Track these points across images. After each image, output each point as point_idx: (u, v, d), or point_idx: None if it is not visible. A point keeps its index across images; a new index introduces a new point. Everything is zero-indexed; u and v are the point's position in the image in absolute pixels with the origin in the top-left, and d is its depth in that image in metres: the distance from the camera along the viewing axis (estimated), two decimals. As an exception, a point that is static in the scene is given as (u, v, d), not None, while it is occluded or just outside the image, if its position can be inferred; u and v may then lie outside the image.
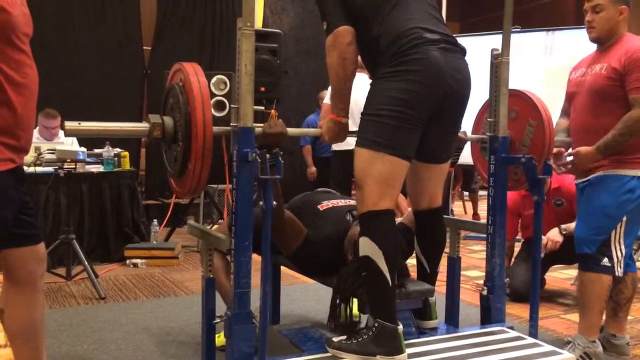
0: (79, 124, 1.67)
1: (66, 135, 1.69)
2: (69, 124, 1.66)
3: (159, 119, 1.78)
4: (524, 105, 2.40)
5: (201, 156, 1.71)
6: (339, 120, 2.07)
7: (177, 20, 6.47)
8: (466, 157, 2.77)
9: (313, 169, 5.67)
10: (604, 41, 2.43)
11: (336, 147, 4.88)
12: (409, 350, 1.90)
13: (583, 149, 2.34)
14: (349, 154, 4.78)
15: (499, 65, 2.30)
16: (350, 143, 4.97)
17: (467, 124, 2.30)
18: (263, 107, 1.96)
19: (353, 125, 5.22)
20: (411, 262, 2.25)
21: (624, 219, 2.34)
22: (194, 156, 1.72)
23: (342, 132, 2.10)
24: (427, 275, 2.21)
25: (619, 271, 2.38)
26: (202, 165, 1.73)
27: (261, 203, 1.77)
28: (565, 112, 2.66)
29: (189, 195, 1.85)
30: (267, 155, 1.76)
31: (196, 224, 2.29)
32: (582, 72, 2.50)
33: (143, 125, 1.79)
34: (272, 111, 4.96)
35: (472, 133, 2.59)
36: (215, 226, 5.18)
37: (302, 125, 5.77)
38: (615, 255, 2.36)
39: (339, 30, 1.92)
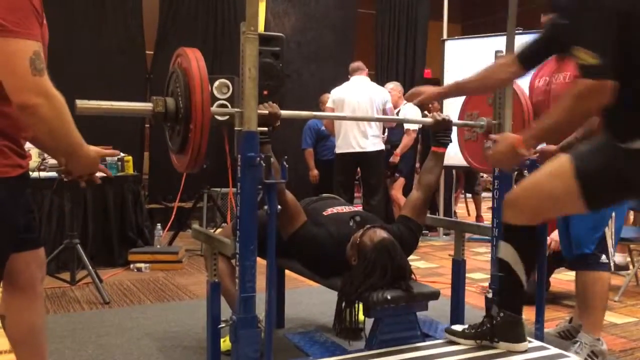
0: (88, 101, 1.72)
1: (77, 113, 1.70)
2: (80, 102, 1.69)
3: (162, 98, 1.84)
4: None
5: (200, 129, 1.75)
6: (524, 153, 1.84)
7: (179, 25, 6.49)
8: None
9: (315, 171, 5.69)
10: None
11: (339, 150, 4.89)
12: (413, 354, 1.90)
13: (549, 147, 2.43)
14: (351, 156, 4.82)
15: (502, 67, 2.30)
16: (352, 145, 5.00)
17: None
18: (267, 112, 1.95)
19: (356, 127, 5.19)
20: (416, 264, 2.24)
21: (613, 214, 2.45)
22: (194, 129, 1.76)
23: (514, 160, 1.90)
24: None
25: (612, 266, 2.48)
26: (200, 138, 1.76)
27: (265, 207, 1.77)
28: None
29: (189, 170, 1.91)
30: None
31: (201, 229, 2.29)
32: (546, 81, 2.59)
33: (147, 105, 1.85)
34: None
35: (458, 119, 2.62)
36: (219, 230, 5.18)
37: (304, 129, 5.79)
38: (610, 251, 2.45)
39: (608, 85, 1.57)
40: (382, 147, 4.90)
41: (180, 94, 1.80)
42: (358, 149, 4.77)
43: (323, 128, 5.53)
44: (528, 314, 3.06)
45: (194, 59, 1.80)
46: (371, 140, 4.76)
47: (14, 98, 1.37)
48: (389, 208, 5.79)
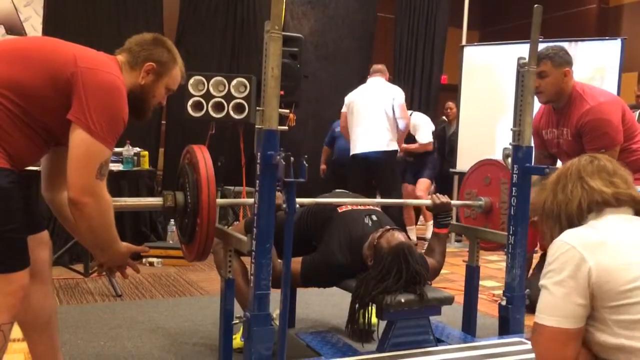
0: None
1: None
2: None
3: (171, 193, 2.01)
4: (494, 170, 2.58)
5: (206, 224, 1.90)
6: None
7: (198, 23, 6.51)
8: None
9: (322, 166, 5.76)
10: (554, 101, 2.66)
11: (351, 152, 4.87)
12: (425, 359, 1.89)
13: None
14: (361, 158, 4.77)
15: (525, 74, 2.29)
16: (361, 147, 4.93)
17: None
18: (288, 110, 1.96)
19: (364, 129, 5.12)
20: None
21: None
22: (200, 223, 1.90)
23: None
24: None
25: None
26: (207, 232, 1.91)
27: (284, 206, 1.77)
28: (538, 163, 2.82)
29: (195, 260, 2.07)
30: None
31: (217, 225, 2.30)
32: (555, 134, 2.72)
33: (158, 199, 2.03)
34: (291, 115, 4.98)
35: (458, 198, 2.79)
36: (230, 228, 5.19)
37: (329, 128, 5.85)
38: None
39: None
40: (393, 147, 4.73)
41: (189, 189, 1.93)
42: (366, 150, 4.72)
43: (337, 130, 5.55)
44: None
45: (201, 158, 1.92)
46: (380, 142, 4.68)
47: (70, 191, 1.55)
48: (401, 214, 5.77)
